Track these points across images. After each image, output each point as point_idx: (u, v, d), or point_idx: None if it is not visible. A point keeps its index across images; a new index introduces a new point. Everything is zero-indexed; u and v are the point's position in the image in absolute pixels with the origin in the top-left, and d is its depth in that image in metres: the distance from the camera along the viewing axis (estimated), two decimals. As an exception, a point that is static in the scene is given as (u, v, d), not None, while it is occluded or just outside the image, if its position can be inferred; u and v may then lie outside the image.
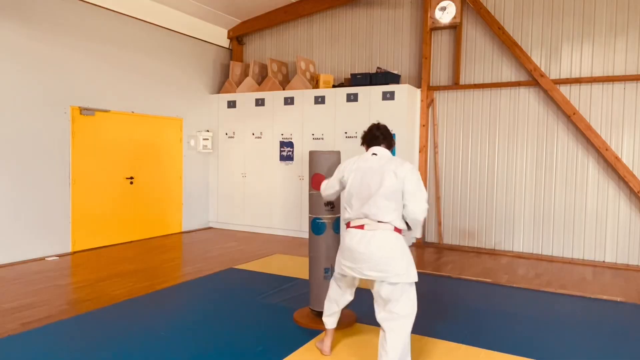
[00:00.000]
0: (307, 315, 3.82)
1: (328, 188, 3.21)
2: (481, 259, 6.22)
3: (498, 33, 6.53)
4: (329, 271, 3.71)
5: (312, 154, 3.77)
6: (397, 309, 2.76)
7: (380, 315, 2.84)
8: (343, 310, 3.32)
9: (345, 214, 3.00)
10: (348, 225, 2.96)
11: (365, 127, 3.26)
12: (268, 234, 7.70)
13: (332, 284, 3.24)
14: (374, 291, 2.86)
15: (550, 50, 6.36)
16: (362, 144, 3.20)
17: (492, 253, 6.59)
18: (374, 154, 3.02)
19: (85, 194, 6.30)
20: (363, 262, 2.81)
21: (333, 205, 3.72)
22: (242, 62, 8.72)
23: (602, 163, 6.10)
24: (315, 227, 3.74)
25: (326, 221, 3.71)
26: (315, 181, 3.71)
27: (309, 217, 3.80)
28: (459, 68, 6.84)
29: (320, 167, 3.70)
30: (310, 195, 3.78)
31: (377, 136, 3.09)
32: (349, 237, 2.90)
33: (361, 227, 2.86)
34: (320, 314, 3.71)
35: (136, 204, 7.05)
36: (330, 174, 3.66)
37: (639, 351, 3.36)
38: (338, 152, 3.81)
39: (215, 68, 8.48)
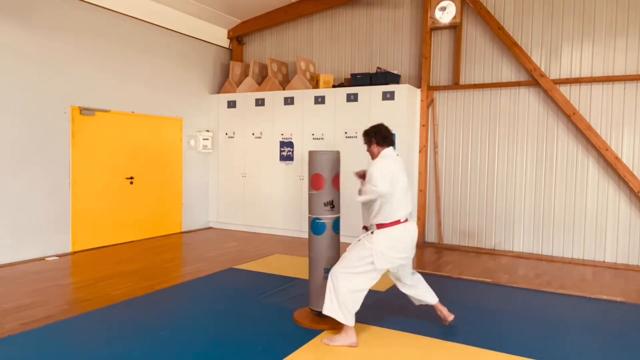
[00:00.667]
0: (307, 315, 3.82)
1: (373, 192, 3.27)
2: (481, 259, 6.22)
3: (498, 33, 6.53)
4: (328, 271, 3.70)
5: (311, 154, 3.76)
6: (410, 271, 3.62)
7: (407, 283, 3.62)
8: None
9: (392, 214, 3.28)
10: (397, 222, 3.29)
11: (365, 127, 3.44)
12: (268, 234, 7.70)
13: (364, 285, 3.34)
14: (400, 272, 3.53)
15: (550, 50, 6.36)
16: (377, 143, 3.44)
17: (492, 253, 6.59)
18: (397, 154, 3.42)
19: (85, 194, 6.30)
20: (411, 249, 3.42)
21: (333, 205, 3.72)
22: (242, 62, 8.72)
23: (602, 163, 6.10)
24: (315, 227, 3.73)
25: (326, 221, 3.71)
26: (315, 181, 3.71)
27: (309, 217, 3.79)
28: (459, 68, 6.84)
29: (320, 167, 3.69)
30: (310, 195, 3.77)
31: (391, 136, 3.44)
32: (401, 231, 3.30)
33: (406, 220, 3.36)
34: (319, 314, 3.72)
35: (136, 204, 7.05)
36: (330, 173, 3.68)
37: (639, 351, 3.37)
38: (337, 152, 3.80)
39: (215, 68, 8.48)
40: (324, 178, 3.67)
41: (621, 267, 5.91)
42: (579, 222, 6.24)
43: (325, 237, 3.72)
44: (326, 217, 3.71)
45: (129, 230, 6.96)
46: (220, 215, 8.27)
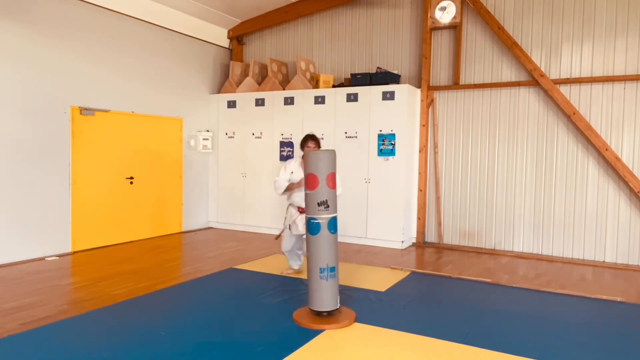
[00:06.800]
0: (307, 315, 3.82)
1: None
2: (481, 259, 6.22)
3: (498, 33, 6.53)
4: (324, 270, 3.70)
5: (306, 154, 3.77)
6: None
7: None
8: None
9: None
10: None
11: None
12: (268, 234, 7.69)
13: None
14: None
15: (550, 50, 6.36)
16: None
17: (492, 253, 6.59)
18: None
19: (85, 194, 6.30)
20: None
21: (328, 205, 3.71)
22: (242, 62, 8.72)
23: (602, 163, 6.10)
24: (310, 227, 3.73)
25: (321, 221, 3.70)
26: (309, 181, 3.71)
27: (305, 217, 3.79)
28: (459, 68, 6.84)
29: (314, 166, 3.69)
30: (305, 195, 3.78)
31: None
32: None
33: None
34: (319, 314, 3.73)
35: (136, 204, 7.05)
36: (324, 173, 3.69)
37: (639, 351, 3.37)
38: (331, 151, 3.79)
39: (215, 68, 8.48)
40: (317, 178, 3.67)
41: (621, 267, 5.91)
42: (579, 222, 6.24)
43: (321, 236, 3.70)
44: (321, 217, 3.70)
45: (129, 230, 6.96)
46: (220, 215, 8.27)
